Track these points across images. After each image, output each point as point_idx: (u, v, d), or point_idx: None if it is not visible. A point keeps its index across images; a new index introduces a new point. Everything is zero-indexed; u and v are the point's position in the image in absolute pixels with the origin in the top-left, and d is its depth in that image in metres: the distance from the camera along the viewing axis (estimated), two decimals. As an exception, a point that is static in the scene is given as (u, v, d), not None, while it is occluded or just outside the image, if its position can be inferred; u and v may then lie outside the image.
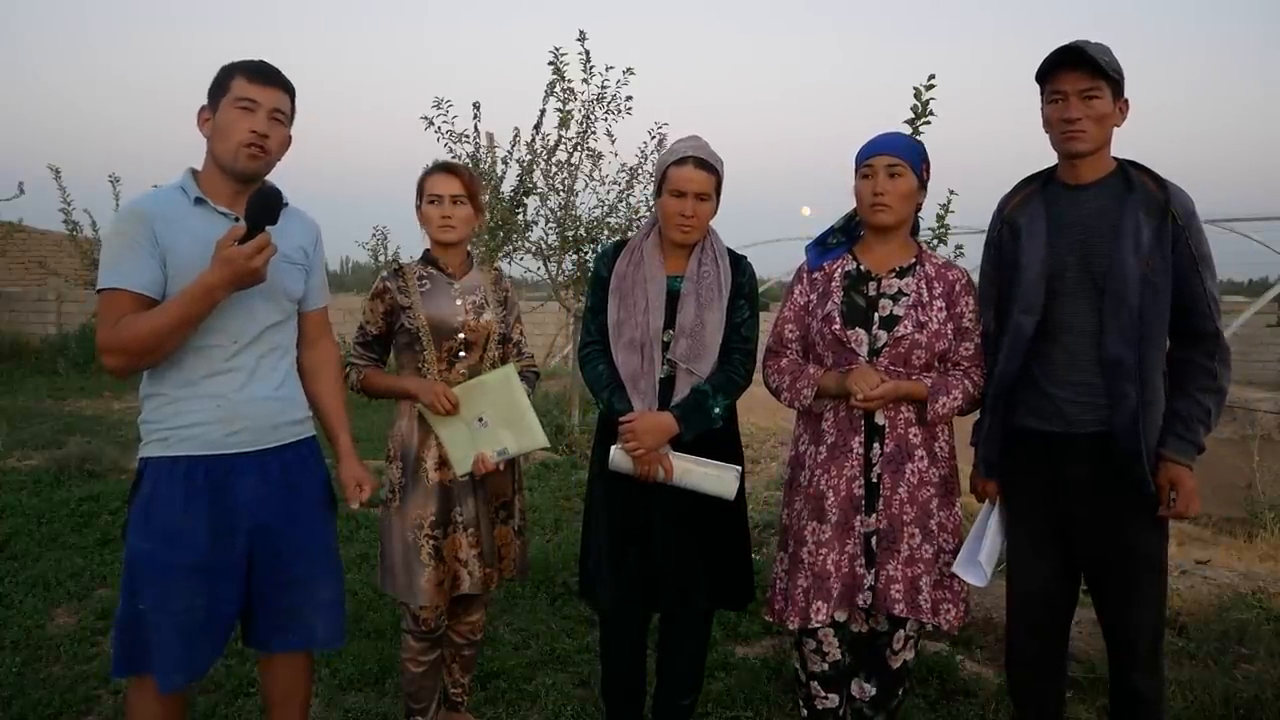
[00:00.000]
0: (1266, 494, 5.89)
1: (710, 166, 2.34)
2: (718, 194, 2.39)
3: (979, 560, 2.31)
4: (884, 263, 2.34)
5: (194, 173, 2.00)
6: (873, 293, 2.32)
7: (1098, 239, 2.11)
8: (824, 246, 2.43)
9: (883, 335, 2.26)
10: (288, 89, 1.99)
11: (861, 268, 2.35)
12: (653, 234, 2.45)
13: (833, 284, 2.35)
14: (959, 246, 4.56)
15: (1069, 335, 2.15)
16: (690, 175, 2.32)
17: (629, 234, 6.26)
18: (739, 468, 2.36)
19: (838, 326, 2.28)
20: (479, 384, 2.45)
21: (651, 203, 4.81)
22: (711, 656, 3.20)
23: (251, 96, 1.92)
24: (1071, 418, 2.15)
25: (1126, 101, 2.14)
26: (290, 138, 2.04)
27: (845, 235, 2.43)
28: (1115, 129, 2.14)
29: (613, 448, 2.32)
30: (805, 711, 2.47)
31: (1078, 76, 2.08)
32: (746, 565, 2.48)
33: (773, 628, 3.32)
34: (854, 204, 2.38)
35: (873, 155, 2.29)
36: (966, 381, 2.28)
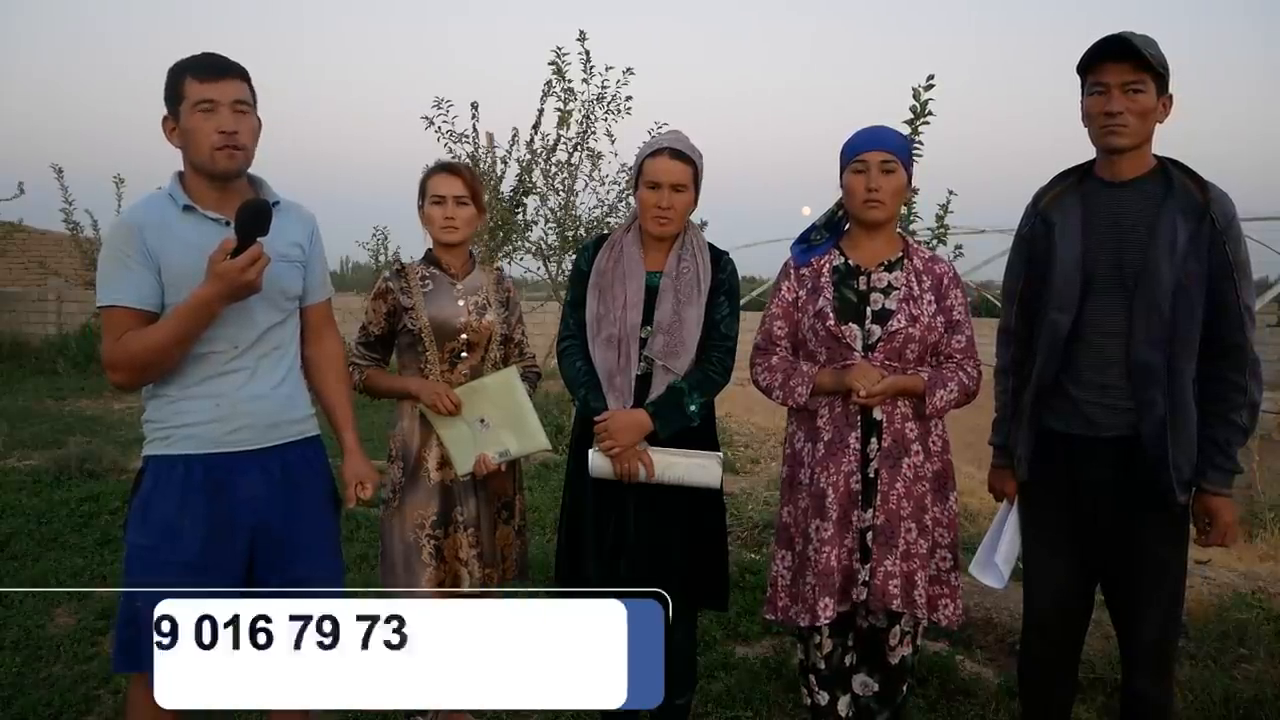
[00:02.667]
0: (1266, 494, 5.89)
1: (686, 157, 2.32)
2: (696, 186, 2.36)
3: (995, 561, 2.30)
4: (872, 257, 2.33)
5: (180, 176, 1.97)
6: (863, 287, 2.31)
7: (1132, 240, 2.04)
8: (808, 244, 2.40)
9: (876, 330, 2.26)
10: (242, 76, 1.94)
11: (850, 263, 2.34)
12: (633, 229, 2.43)
13: (822, 280, 2.33)
14: (958, 247, 4.57)
15: (1097, 336, 2.08)
16: (666, 166, 2.30)
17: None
18: (720, 454, 2.35)
19: (831, 322, 2.27)
20: (481, 385, 2.45)
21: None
22: (711, 656, 3.20)
23: (208, 96, 1.87)
24: (1094, 420, 2.09)
25: (1171, 97, 2.05)
26: (260, 123, 1.99)
27: (829, 231, 2.40)
28: (1158, 126, 2.05)
29: (590, 451, 2.31)
30: (808, 701, 2.48)
31: (1122, 68, 1.99)
32: (723, 564, 2.47)
33: (773, 628, 3.32)
34: (836, 199, 2.37)
35: (866, 150, 2.25)
36: (961, 374, 2.28)
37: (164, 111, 1.94)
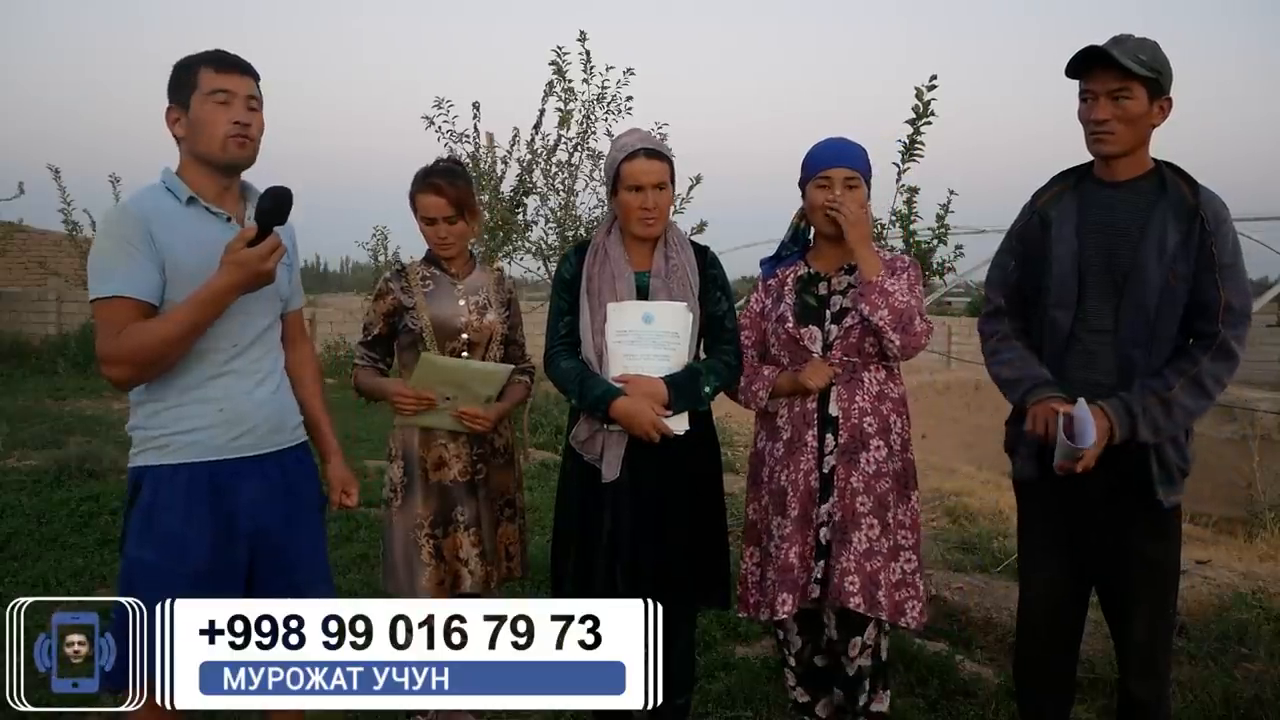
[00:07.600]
0: (1266, 494, 5.90)
1: (661, 155, 2.33)
2: (673, 182, 2.38)
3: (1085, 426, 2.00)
4: (834, 263, 2.40)
5: (176, 172, 1.94)
6: (824, 291, 2.38)
7: (1124, 240, 2.06)
8: (777, 259, 2.49)
9: (835, 329, 2.31)
10: (255, 75, 1.96)
11: (813, 270, 2.42)
12: (613, 231, 2.43)
13: (785, 288, 2.41)
14: (959, 246, 4.56)
15: (1087, 334, 2.10)
16: (645, 167, 2.30)
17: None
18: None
19: (791, 325, 2.34)
20: (419, 377, 2.42)
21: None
22: (711, 656, 3.20)
23: (225, 87, 1.88)
24: None
25: (1169, 100, 2.05)
26: (264, 123, 2.00)
27: (795, 244, 2.48)
28: (1155, 128, 2.06)
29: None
30: (791, 696, 2.55)
31: (1107, 76, 2.00)
32: (724, 562, 2.47)
33: (772, 628, 3.32)
34: (798, 209, 2.44)
35: (831, 167, 2.31)
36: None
37: (166, 104, 1.92)
